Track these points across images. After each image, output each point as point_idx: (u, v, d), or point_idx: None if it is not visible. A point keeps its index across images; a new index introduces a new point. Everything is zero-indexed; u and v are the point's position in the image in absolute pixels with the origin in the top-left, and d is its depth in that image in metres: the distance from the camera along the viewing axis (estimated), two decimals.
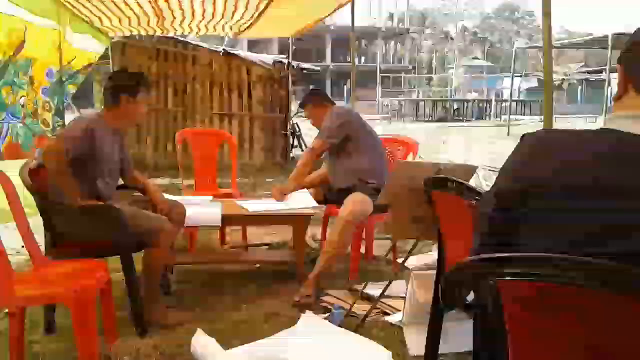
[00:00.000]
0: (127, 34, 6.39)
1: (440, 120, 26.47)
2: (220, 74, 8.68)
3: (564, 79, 31.57)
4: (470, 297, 1.21)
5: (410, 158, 4.03)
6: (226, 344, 2.56)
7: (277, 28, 6.96)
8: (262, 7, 4.79)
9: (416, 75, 38.69)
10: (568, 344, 0.99)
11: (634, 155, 1.02)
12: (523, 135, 1.19)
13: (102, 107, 2.98)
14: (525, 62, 34.39)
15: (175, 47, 8.59)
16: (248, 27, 5.79)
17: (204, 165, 4.60)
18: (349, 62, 6.82)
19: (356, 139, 3.47)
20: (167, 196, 3.14)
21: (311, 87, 4.92)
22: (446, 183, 2.02)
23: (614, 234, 1.00)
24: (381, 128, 17.18)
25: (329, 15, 5.80)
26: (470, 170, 2.68)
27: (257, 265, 3.74)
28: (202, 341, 2.42)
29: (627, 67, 1.12)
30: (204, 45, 8.87)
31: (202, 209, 3.32)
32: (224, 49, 8.79)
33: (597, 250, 0.99)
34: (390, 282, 2.75)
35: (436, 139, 14.61)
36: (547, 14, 2.71)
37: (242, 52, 9.11)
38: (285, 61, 8.82)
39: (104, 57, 6.19)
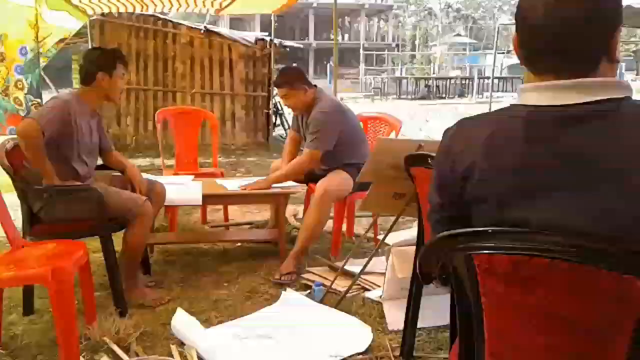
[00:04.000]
0: (106, 10, 6.26)
1: (423, 97, 26.42)
2: (201, 52, 8.55)
3: None
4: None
5: (393, 136, 4.03)
6: (207, 322, 2.59)
7: (259, 4, 6.86)
8: None
9: (399, 52, 38.53)
10: (542, 315, 1.01)
11: (540, 133, 1.05)
12: (445, 131, 1.24)
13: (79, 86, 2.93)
14: (508, 39, 34.36)
15: (155, 24, 8.43)
16: (229, 3, 5.70)
17: (184, 144, 4.56)
18: (332, 39, 6.76)
19: (343, 135, 3.42)
20: (146, 176, 3.12)
21: (281, 67, 4.72)
22: (426, 159, 2.02)
23: (542, 202, 1.03)
24: (365, 106, 17.14)
25: None
26: None
27: (239, 243, 3.74)
28: (183, 320, 2.43)
29: (521, 41, 1.12)
30: (185, 22, 8.72)
31: (182, 189, 3.31)
32: (204, 27, 8.65)
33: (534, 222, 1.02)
34: (370, 259, 2.77)
35: (419, 116, 14.62)
36: None
37: (224, 29, 8.97)
38: (268, 39, 8.72)
39: (78, 33, 6.05)
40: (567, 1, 1.04)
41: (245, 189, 3.35)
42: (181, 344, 2.34)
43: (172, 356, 2.23)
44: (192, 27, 8.64)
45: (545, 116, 1.05)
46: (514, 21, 1.17)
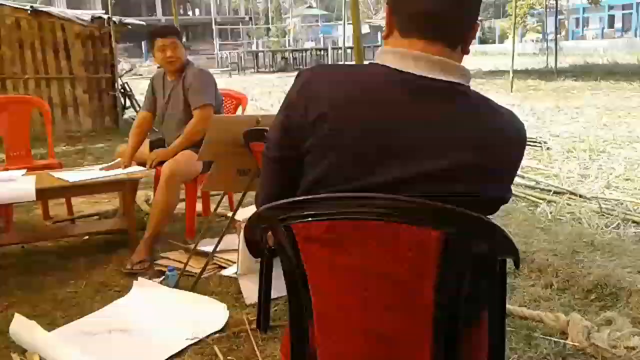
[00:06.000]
0: None
1: (280, 70, 26.59)
2: (31, 34, 7.79)
3: None
4: None
5: (240, 112, 4.01)
6: (53, 324, 2.43)
7: None
8: None
9: (254, 26, 38.23)
10: (357, 273, 1.07)
11: (395, 93, 1.10)
12: (301, 72, 1.20)
13: None
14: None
15: None
16: None
17: (13, 137, 4.16)
18: (182, 15, 6.51)
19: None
20: None
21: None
22: (263, 134, 2.03)
23: (381, 165, 1.08)
24: (222, 82, 16.84)
25: None
26: None
27: (86, 237, 3.52)
28: (22, 326, 2.25)
29: (394, 9, 1.16)
30: (8, 3, 7.87)
31: (11, 185, 3.03)
32: (31, 6, 7.88)
33: (369, 181, 1.08)
34: (222, 237, 2.75)
35: (279, 89, 14.67)
36: None
37: (54, 8, 8.23)
38: (105, 17, 8.17)
39: None
40: None
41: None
42: (23, 351, 2.18)
43: None
44: (16, 8, 7.83)
45: (406, 81, 1.09)
46: None
